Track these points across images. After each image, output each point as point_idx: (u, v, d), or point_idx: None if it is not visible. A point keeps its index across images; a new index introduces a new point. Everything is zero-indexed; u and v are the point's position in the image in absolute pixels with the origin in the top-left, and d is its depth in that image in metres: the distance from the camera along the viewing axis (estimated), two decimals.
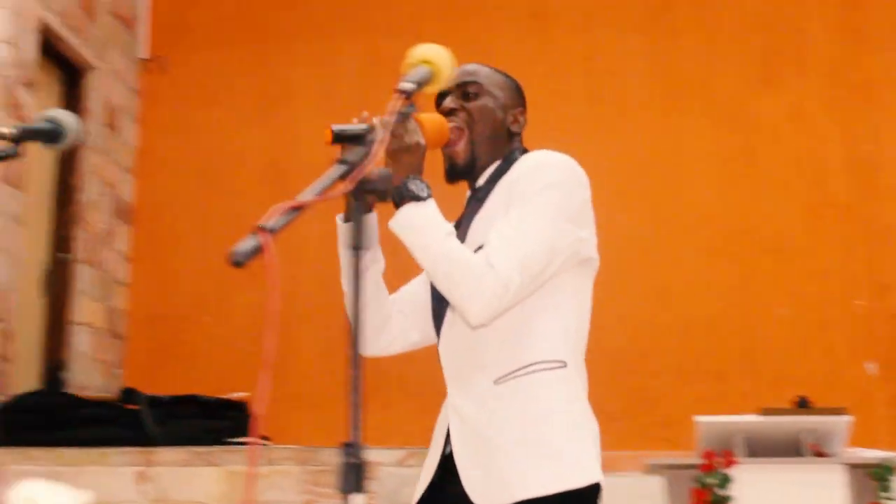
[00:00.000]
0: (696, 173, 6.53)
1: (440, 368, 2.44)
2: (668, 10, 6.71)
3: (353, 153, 1.70)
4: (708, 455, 4.65)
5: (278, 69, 6.78)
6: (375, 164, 1.75)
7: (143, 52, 6.90)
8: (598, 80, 6.66)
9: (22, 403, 5.15)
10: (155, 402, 5.10)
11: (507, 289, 2.18)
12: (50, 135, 2.26)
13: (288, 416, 5.94)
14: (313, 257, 6.07)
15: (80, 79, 6.29)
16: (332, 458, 4.70)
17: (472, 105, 2.45)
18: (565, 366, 2.30)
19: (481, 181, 2.46)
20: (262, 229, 1.41)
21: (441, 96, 2.46)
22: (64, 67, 6.23)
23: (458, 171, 2.43)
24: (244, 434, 5.02)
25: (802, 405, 4.95)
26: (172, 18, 6.97)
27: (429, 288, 2.46)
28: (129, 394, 5.25)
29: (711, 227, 6.46)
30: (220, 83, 6.80)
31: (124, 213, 6.62)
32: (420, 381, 6.31)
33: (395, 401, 6.01)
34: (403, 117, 2.02)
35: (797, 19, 6.64)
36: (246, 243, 1.40)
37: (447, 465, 2.34)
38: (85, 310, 6.09)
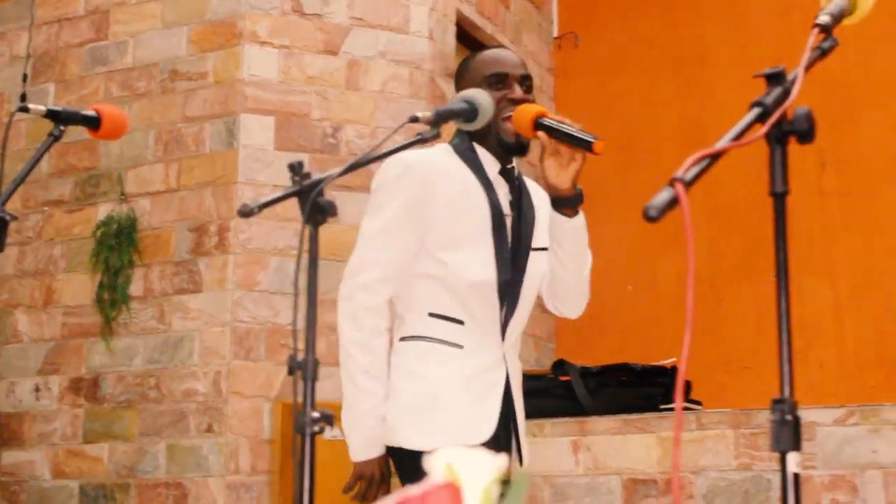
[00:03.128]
0: None
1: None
2: None
3: (770, 94, 1.61)
4: None
5: (690, 30, 6.67)
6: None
7: (555, 30, 7.02)
8: None
9: None
10: (586, 373, 5.17)
11: None
12: (465, 114, 2.35)
13: (720, 379, 5.85)
14: (740, 217, 5.96)
15: None
16: (768, 420, 4.57)
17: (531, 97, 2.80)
18: None
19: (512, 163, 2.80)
20: (677, 180, 1.37)
21: (505, 78, 2.74)
22: None
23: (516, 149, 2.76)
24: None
25: None
26: None
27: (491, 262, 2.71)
28: (561, 365, 5.35)
29: None
30: (631, 51, 6.78)
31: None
32: (858, 337, 6.05)
33: (832, 361, 5.76)
34: (822, 53, 1.91)
35: None
36: (660, 196, 1.36)
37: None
38: None
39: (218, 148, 5.23)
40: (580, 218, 2.70)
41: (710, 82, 6.51)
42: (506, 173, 2.78)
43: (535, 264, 2.81)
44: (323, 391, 5.02)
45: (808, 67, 1.66)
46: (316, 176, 1.95)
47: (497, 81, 2.75)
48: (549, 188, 2.67)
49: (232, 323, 4.97)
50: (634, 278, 6.49)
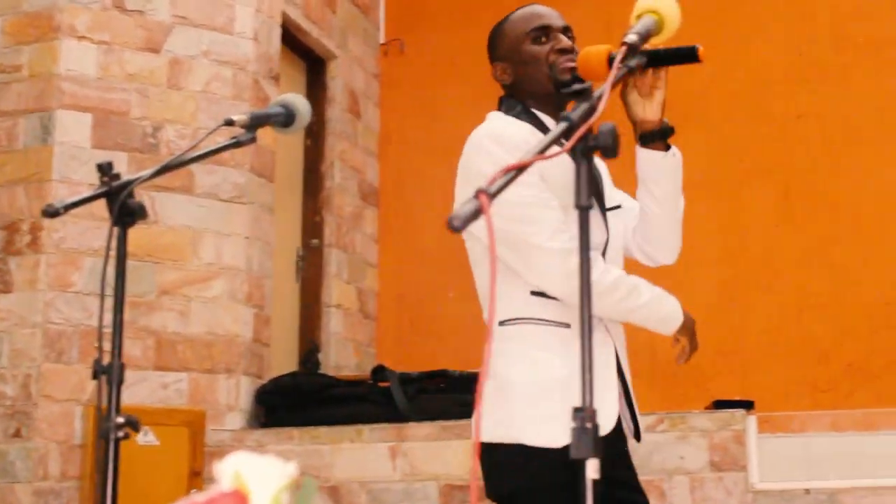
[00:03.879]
0: None
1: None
2: None
3: (577, 109, 1.66)
4: None
5: None
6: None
7: (381, 36, 7.03)
8: None
9: (280, 385, 5.34)
10: (405, 379, 5.20)
11: None
12: (281, 118, 2.33)
13: None
14: None
15: (322, 68, 6.46)
16: None
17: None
18: None
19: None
20: (481, 192, 1.39)
21: (548, 30, 2.63)
22: (306, 58, 6.41)
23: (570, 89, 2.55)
24: None
25: None
26: (408, 1, 7.06)
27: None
28: (380, 371, 5.37)
29: None
30: (459, 59, 6.84)
31: (371, 196, 6.77)
32: (669, 346, 6.21)
33: (644, 369, 5.92)
34: (629, 70, 1.96)
35: None
36: (465, 207, 1.38)
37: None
38: (337, 292, 6.26)
39: (32, 144, 5.08)
40: (676, 152, 2.58)
41: None
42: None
43: (616, 226, 2.73)
44: (136, 395, 4.90)
45: (615, 84, 1.71)
46: (127, 177, 1.91)
47: (541, 35, 2.67)
48: (639, 124, 2.52)
49: (43, 324, 4.82)
50: (455, 285, 6.55)
